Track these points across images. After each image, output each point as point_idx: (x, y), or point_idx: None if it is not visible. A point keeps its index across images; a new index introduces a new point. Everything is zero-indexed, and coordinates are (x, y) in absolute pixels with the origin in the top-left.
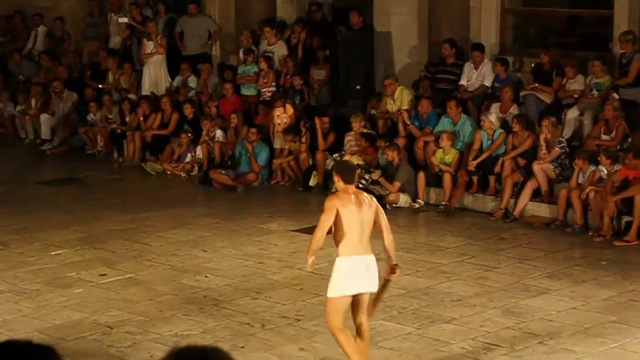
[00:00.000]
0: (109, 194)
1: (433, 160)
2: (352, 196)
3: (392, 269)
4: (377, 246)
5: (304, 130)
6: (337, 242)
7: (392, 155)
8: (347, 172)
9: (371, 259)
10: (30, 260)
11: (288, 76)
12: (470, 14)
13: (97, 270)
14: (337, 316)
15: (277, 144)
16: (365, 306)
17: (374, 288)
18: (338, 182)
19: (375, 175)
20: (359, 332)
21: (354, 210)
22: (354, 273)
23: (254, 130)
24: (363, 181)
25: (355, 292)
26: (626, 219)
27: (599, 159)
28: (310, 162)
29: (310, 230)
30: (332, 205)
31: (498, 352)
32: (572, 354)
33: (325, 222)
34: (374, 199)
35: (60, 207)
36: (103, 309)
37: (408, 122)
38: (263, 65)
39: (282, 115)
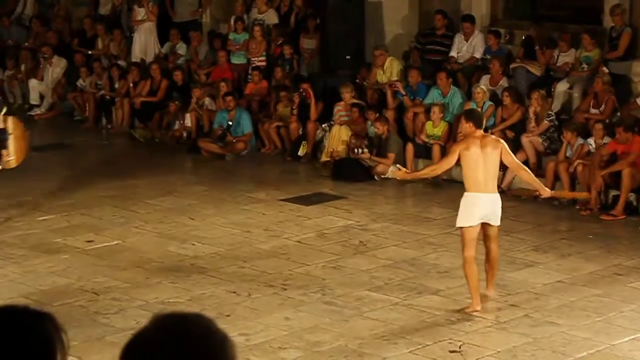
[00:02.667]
0: (98, 161)
1: (422, 138)
2: (478, 140)
3: (541, 191)
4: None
5: (297, 99)
6: (465, 181)
7: (381, 128)
8: (479, 119)
9: (496, 197)
10: (17, 226)
11: (277, 45)
12: None
13: (84, 236)
14: (469, 246)
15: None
16: (494, 237)
17: (497, 222)
18: (470, 128)
19: (365, 155)
20: (487, 256)
21: (477, 152)
22: (479, 206)
23: (229, 98)
24: (355, 151)
25: (479, 222)
26: (613, 193)
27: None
28: (300, 132)
29: (299, 200)
30: (455, 149)
31: (483, 323)
32: (557, 327)
33: (445, 164)
34: (501, 141)
35: (47, 172)
36: (89, 275)
37: (403, 92)
38: (257, 32)
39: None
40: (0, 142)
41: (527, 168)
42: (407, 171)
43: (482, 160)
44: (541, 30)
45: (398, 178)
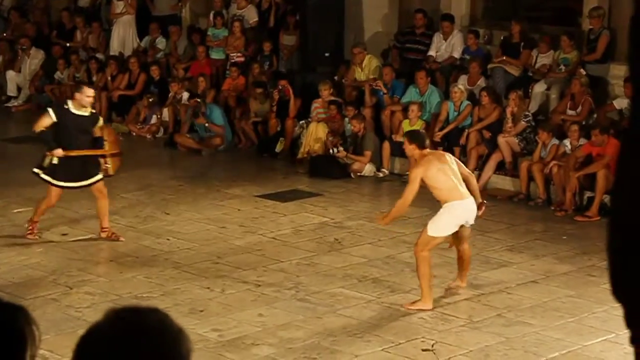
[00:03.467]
0: None
1: (399, 137)
2: (431, 157)
3: (479, 207)
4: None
5: (276, 96)
6: (442, 199)
7: (358, 126)
8: (422, 139)
9: (470, 200)
10: None
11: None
12: None
13: (59, 229)
14: (429, 249)
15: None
16: (466, 237)
17: (470, 221)
18: (414, 150)
19: (342, 153)
20: (460, 255)
21: (439, 167)
22: (463, 213)
23: (192, 100)
24: (331, 151)
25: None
26: (588, 194)
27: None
28: (279, 128)
29: (275, 197)
30: (416, 176)
31: (456, 323)
32: (530, 327)
33: (410, 194)
34: (450, 155)
35: (23, 165)
36: (63, 268)
37: (384, 91)
38: (236, 28)
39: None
40: (100, 148)
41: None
42: (382, 216)
43: (447, 169)
44: (524, 25)
45: (381, 226)
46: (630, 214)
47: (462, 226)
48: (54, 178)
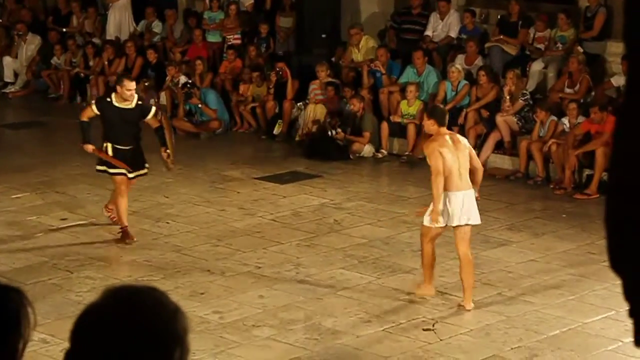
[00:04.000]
0: (72, 139)
1: (397, 117)
2: (447, 137)
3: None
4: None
5: (274, 78)
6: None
7: (357, 105)
8: (441, 116)
9: (470, 193)
10: None
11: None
12: None
13: (58, 214)
14: (429, 240)
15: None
16: (466, 237)
17: (473, 221)
18: (432, 126)
19: (340, 135)
20: (461, 261)
21: (452, 150)
22: (450, 208)
23: (183, 89)
24: (330, 132)
25: (447, 224)
26: (587, 172)
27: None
28: (277, 111)
29: (273, 179)
30: (433, 148)
31: (456, 301)
32: (531, 305)
33: (438, 166)
34: (465, 141)
35: (22, 150)
36: (63, 253)
37: (383, 71)
38: (232, 11)
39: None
40: (160, 139)
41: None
42: (420, 211)
43: (456, 157)
44: (522, 4)
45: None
46: (627, 187)
47: (458, 225)
48: (109, 167)
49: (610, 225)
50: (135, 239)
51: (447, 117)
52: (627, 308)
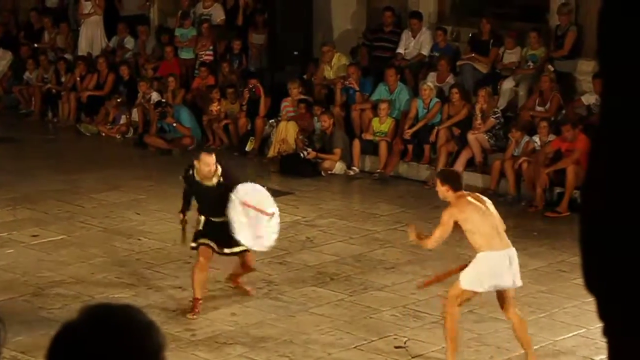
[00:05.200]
0: (43, 155)
1: (368, 135)
2: (469, 198)
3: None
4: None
5: (247, 95)
6: (478, 246)
7: (327, 122)
8: (455, 180)
9: (512, 252)
10: None
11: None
12: None
13: (29, 230)
14: (458, 304)
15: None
16: (512, 301)
17: (518, 282)
18: (447, 192)
19: (311, 155)
20: (513, 326)
21: (478, 209)
22: (492, 270)
23: (157, 111)
24: (302, 154)
25: (489, 289)
26: (558, 190)
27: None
28: (249, 127)
29: None
30: (448, 218)
31: (428, 319)
32: (502, 322)
33: (438, 239)
34: (490, 201)
35: None
36: (34, 270)
37: (357, 88)
38: (204, 28)
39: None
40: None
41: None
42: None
43: (488, 215)
44: (493, 23)
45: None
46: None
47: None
48: (195, 240)
49: (583, 243)
50: (196, 316)
51: (461, 179)
52: (601, 326)
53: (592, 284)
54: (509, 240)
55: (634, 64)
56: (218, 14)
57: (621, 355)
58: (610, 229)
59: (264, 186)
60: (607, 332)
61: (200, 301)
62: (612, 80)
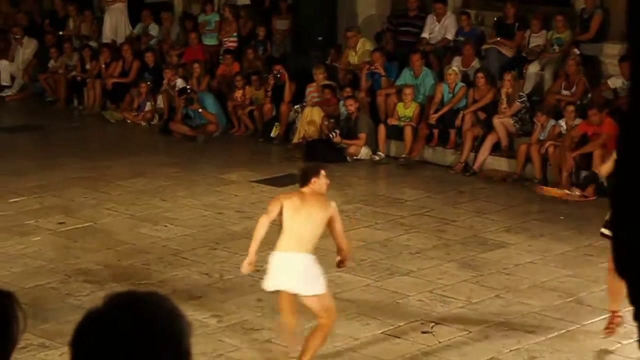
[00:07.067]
0: (69, 142)
1: (394, 120)
2: (303, 195)
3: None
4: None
5: (272, 81)
6: (277, 243)
7: (352, 106)
8: (303, 177)
9: (300, 257)
10: None
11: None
12: None
13: (56, 218)
14: (282, 307)
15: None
16: (314, 308)
17: (302, 291)
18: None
19: (337, 139)
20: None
21: (296, 207)
22: (277, 270)
23: (182, 98)
24: (331, 136)
25: (275, 289)
26: (584, 173)
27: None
28: (274, 113)
29: (271, 182)
30: (276, 200)
31: (455, 304)
32: (529, 307)
33: (263, 218)
34: (332, 205)
35: (19, 154)
36: (61, 257)
37: (383, 73)
38: (227, 13)
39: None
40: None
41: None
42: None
43: (303, 216)
44: (518, 7)
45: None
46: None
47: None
48: None
49: (616, 228)
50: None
51: (308, 176)
52: (633, 311)
53: (624, 270)
54: (307, 247)
55: None
56: (243, 0)
57: None
58: None
59: (290, 174)
60: (638, 317)
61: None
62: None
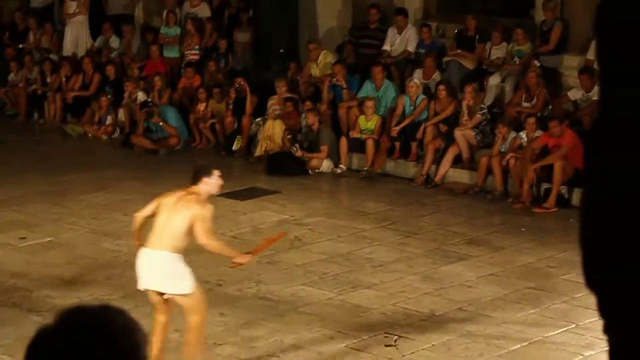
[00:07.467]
0: (30, 156)
1: (355, 133)
2: (182, 193)
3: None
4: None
5: (233, 94)
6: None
7: (312, 119)
8: (192, 174)
9: (159, 254)
10: None
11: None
12: None
13: (17, 233)
14: (155, 310)
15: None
16: (163, 306)
17: (165, 289)
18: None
19: (299, 153)
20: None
21: (167, 205)
22: (141, 268)
23: (143, 111)
24: (292, 150)
25: (142, 289)
26: (545, 186)
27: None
28: (235, 126)
29: (232, 195)
30: (157, 197)
31: (417, 317)
32: (491, 319)
33: (137, 214)
34: (200, 207)
35: None
36: (22, 272)
37: (344, 86)
38: (190, 27)
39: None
40: None
41: (217, 242)
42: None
43: (168, 214)
44: (479, 19)
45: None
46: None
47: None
48: None
49: (584, 241)
50: None
51: (198, 174)
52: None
53: (592, 283)
54: (169, 244)
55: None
56: (205, 13)
57: (622, 354)
58: (613, 225)
59: (252, 187)
60: (607, 330)
61: None
62: (612, 71)
